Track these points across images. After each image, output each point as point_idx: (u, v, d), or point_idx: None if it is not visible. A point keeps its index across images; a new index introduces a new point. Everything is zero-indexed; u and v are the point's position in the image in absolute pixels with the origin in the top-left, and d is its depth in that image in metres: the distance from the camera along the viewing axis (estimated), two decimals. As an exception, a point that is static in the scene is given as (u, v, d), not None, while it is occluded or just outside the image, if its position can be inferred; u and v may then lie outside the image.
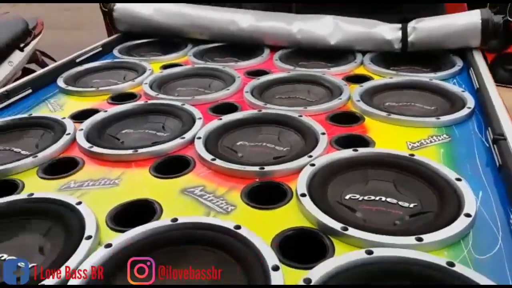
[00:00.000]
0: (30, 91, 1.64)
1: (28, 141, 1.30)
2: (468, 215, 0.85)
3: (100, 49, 2.06)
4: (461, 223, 0.84)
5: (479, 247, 0.81)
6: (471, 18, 1.70)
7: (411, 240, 0.80)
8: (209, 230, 0.84)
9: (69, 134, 1.27)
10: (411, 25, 1.77)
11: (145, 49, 2.17)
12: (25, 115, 1.42)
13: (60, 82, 1.70)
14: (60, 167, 1.13)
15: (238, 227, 0.84)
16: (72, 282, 0.73)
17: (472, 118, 1.29)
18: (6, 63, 2.87)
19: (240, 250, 0.79)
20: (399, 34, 1.78)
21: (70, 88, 1.65)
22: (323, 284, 0.72)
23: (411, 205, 0.95)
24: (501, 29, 1.70)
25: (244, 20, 1.98)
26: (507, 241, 0.83)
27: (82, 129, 1.29)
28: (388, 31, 1.80)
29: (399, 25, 1.79)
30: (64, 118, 1.37)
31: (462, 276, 0.72)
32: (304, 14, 1.97)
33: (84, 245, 0.81)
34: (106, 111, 1.41)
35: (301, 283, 0.72)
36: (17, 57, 2.96)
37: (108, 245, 0.80)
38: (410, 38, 1.76)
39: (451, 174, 0.98)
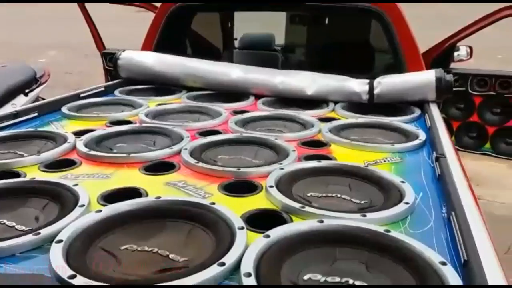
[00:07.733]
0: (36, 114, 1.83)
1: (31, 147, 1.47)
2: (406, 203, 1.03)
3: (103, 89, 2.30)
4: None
5: (414, 226, 0.97)
6: (427, 76, 1.99)
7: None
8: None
9: (69, 142, 1.45)
10: (377, 80, 2.04)
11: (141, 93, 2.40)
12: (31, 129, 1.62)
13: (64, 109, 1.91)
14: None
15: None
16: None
17: (423, 148, 1.49)
18: (9, 104, 3.08)
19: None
20: (366, 87, 2.05)
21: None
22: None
23: (362, 201, 1.12)
24: (453, 86, 1.98)
25: (234, 72, 2.25)
26: (437, 222, 0.99)
27: (82, 140, 1.47)
28: (357, 85, 2.07)
29: (367, 80, 2.06)
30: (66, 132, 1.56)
31: (395, 239, 0.87)
32: (286, 70, 2.25)
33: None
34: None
35: (262, 237, 0.86)
36: (20, 101, 3.18)
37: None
38: (376, 91, 2.03)
39: (396, 178, 1.16)
